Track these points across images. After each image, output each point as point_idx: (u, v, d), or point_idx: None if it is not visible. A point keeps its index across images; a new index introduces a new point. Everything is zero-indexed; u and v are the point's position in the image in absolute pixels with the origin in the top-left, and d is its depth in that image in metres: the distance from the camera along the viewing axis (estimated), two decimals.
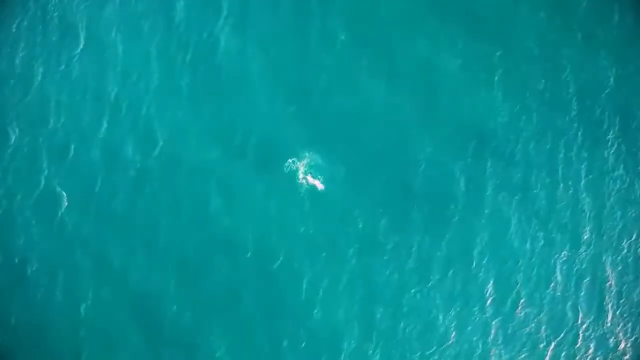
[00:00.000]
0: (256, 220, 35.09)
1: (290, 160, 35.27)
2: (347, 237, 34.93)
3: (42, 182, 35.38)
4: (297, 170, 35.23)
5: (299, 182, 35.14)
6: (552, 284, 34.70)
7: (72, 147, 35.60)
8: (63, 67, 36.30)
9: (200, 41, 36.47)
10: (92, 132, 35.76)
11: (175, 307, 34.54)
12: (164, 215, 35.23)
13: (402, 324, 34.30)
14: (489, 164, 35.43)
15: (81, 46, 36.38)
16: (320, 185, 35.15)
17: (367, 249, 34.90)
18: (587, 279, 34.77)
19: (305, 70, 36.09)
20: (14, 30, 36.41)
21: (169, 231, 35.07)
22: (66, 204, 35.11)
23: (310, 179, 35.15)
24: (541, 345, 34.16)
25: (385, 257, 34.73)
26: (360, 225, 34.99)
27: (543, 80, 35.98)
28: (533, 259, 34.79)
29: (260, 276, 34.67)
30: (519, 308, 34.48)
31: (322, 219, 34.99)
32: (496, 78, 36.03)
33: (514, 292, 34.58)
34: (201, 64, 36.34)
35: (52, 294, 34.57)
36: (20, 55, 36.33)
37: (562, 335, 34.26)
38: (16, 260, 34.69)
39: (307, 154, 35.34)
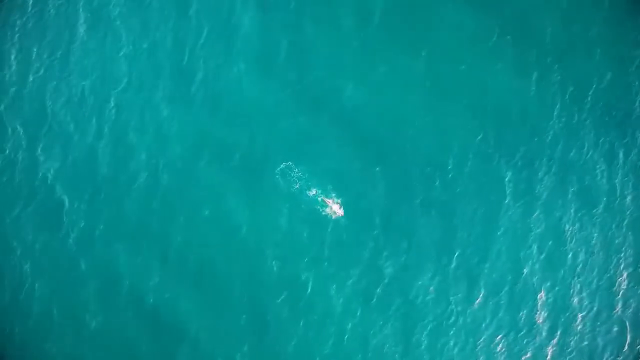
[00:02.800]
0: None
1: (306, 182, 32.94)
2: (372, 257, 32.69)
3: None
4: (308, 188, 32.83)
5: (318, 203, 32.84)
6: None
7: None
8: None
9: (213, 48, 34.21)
10: (91, 139, 33.59)
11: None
12: (174, 229, 33.06)
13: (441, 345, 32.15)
14: (536, 171, 33.23)
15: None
16: (339, 210, 32.67)
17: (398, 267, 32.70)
18: None
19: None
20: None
21: (177, 249, 32.89)
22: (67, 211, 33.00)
23: (328, 200, 32.74)
24: None
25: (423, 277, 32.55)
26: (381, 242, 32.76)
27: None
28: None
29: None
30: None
31: (343, 240, 32.68)
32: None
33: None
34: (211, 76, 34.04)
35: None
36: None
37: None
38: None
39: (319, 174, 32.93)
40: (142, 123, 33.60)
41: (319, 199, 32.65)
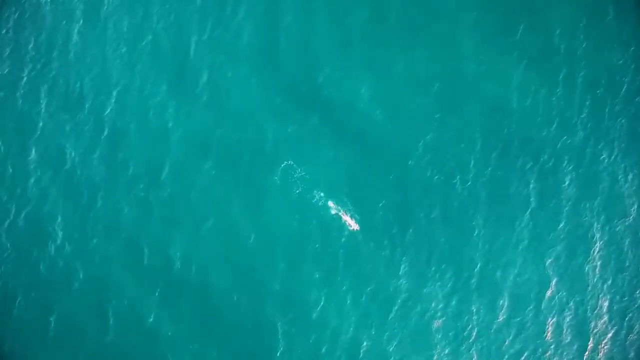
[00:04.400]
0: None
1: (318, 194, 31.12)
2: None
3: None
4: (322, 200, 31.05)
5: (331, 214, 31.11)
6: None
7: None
8: None
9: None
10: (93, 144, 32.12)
11: None
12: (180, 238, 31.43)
13: None
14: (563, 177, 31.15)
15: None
16: (354, 225, 30.91)
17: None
18: None
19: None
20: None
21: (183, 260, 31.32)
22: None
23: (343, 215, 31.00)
24: None
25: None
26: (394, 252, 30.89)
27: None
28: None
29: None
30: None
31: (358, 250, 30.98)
32: None
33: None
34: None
35: None
36: None
37: None
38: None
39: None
40: (143, 124, 32.04)
41: (320, 203, 30.88)
